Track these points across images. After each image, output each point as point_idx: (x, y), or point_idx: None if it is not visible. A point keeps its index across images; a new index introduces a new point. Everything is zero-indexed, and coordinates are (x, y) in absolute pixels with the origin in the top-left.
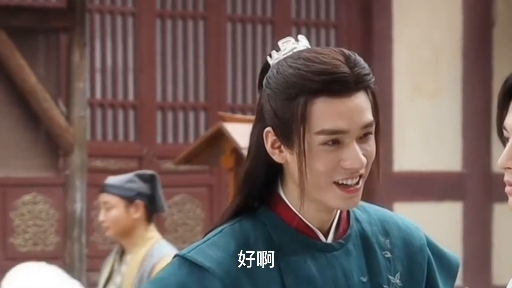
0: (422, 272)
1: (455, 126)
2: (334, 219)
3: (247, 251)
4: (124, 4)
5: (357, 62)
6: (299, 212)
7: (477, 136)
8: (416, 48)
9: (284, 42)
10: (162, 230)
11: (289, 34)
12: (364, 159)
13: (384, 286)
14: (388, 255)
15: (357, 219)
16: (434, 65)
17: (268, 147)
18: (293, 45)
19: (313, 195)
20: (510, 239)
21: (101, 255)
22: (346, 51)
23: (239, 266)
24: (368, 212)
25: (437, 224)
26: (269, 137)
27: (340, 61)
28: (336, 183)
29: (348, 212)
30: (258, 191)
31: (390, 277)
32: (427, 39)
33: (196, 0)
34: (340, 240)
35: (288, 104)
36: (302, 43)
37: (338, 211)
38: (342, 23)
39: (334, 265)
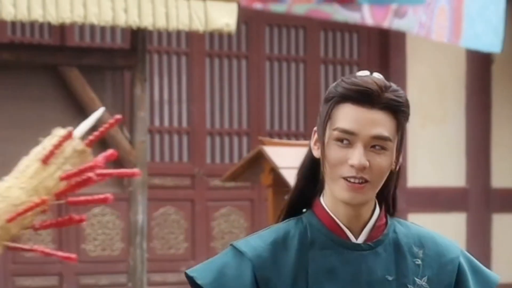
0: (451, 280)
1: (459, 148)
2: (367, 224)
3: (283, 242)
4: (178, 45)
5: (391, 89)
6: (332, 213)
7: (478, 156)
8: (426, 82)
9: (361, 72)
10: (211, 238)
11: (318, 71)
12: (364, 162)
13: (409, 285)
14: (418, 262)
15: (395, 231)
16: (441, 96)
17: (312, 143)
18: (365, 73)
19: (330, 187)
20: (506, 245)
21: (159, 259)
22: (388, 82)
23: (271, 253)
24: (409, 228)
25: (444, 232)
26: (314, 135)
27: (375, 82)
28: (344, 178)
29: (386, 225)
30: (305, 195)
31: (417, 279)
32: (435, 74)
33: (239, 42)
34: (369, 243)
35: (325, 105)
36: (376, 74)
37: (372, 219)
38: (363, 60)
39: (359, 262)
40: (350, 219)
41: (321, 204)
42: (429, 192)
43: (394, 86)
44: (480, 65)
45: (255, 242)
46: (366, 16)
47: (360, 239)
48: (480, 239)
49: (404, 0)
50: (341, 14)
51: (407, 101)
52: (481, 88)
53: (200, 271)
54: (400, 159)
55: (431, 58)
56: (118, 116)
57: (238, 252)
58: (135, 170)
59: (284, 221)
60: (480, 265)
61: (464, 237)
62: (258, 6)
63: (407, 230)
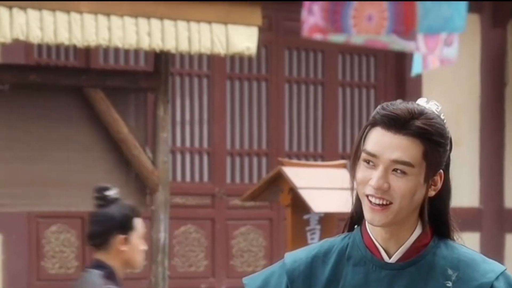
0: None
1: (473, 169)
2: (402, 245)
3: (323, 256)
4: (200, 68)
5: (424, 117)
6: (370, 231)
7: (492, 177)
8: (441, 105)
9: (419, 100)
10: (230, 256)
11: (336, 93)
12: (381, 184)
13: None
14: (449, 284)
15: (435, 253)
16: (456, 119)
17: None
18: (422, 101)
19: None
20: None
21: (180, 276)
22: (423, 109)
23: (308, 266)
24: (452, 251)
25: None
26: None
27: (407, 109)
28: (367, 197)
29: (424, 246)
30: (358, 214)
31: None
32: (450, 97)
33: (259, 65)
34: (400, 263)
35: (364, 127)
36: (431, 103)
37: (409, 240)
38: (380, 84)
39: (386, 281)
40: (384, 239)
41: (365, 223)
42: None
43: (430, 115)
44: (494, 87)
45: (299, 254)
46: (420, 45)
47: (393, 259)
48: (493, 258)
49: (450, 29)
50: (397, 43)
51: (440, 130)
52: (494, 110)
53: (251, 278)
54: (439, 185)
55: (446, 81)
56: None
57: (283, 263)
58: None
59: (337, 235)
60: None
61: None
62: (318, 37)
63: (449, 253)
